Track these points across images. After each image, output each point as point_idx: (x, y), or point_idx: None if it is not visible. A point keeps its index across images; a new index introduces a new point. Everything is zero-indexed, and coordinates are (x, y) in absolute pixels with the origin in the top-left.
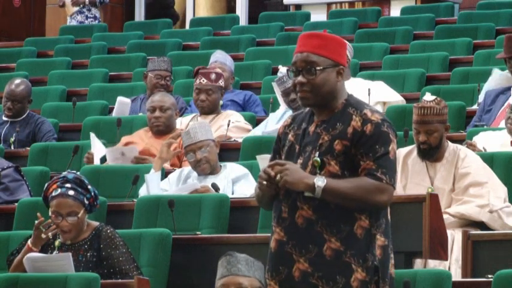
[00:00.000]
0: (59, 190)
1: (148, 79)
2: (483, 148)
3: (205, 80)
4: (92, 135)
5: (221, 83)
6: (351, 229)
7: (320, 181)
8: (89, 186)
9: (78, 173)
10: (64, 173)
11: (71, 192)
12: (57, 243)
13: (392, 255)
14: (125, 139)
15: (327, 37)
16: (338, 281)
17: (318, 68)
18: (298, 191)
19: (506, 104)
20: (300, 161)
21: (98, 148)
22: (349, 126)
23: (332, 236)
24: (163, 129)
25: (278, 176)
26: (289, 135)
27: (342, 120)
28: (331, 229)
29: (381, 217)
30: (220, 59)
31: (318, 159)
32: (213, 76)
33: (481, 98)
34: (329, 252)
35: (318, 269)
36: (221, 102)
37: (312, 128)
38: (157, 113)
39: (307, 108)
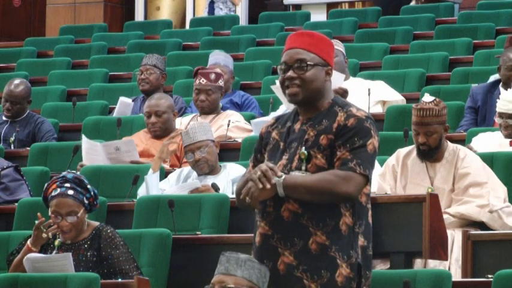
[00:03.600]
0: (59, 190)
1: None
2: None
3: (204, 80)
4: (84, 138)
5: (221, 83)
6: (336, 224)
7: (278, 184)
8: (89, 186)
9: (77, 172)
10: (63, 173)
11: (71, 192)
12: (57, 242)
13: (371, 259)
14: (125, 140)
15: (316, 36)
16: (323, 275)
17: (309, 63)
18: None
19: None
20: (285, 157)
21: (87, 150)
22: (334, 122)
23: (318, 229)
24: (160, 134)
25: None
26: (273, 134)
27: (328, 117)
28: (316, 223)
29: (362, 217)
30: (219, 60)
31: (305, 151)
32: (212, 76)
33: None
34: (314, 246)
35: (302, 262)
36: (220, 104)
37: (297, 126)
38: (153, 119)
39: (292, 110)
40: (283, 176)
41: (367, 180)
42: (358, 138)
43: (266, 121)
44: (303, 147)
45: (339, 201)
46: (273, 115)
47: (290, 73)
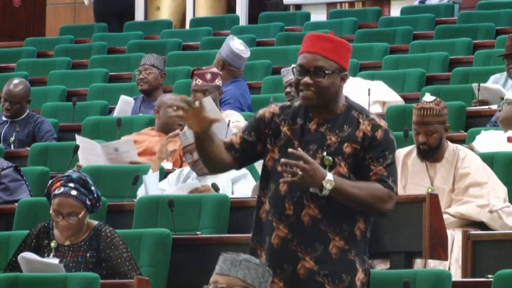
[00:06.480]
0: (62, 189)
1: None
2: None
3: (200, 81)
4: (78, 138)
5: (218, 82)
6: (351, 230)
7: (329, 183)
8: (92, 188)
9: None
10: (69, 172)
11: (74, 192)
12: (53, 244)
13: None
14: (128, 137)
15: (337, 41)
16: (344, 279)
17: (327, 71)
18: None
19: None
20: None
21: (84, 150)
22: (357, 129)
23: (336, 235)
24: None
25: (299, 173)
26: (283, 128)
27: (348, 123)
28: (334, 228)
29: (371, 222)
30: (221, 49)
31: (330, 158)
32: (208, 76)
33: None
34: (335, 251)
35: (323, 267)
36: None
37: (312, 126)
38: (180, 112)
39: (297, 102)
40: (334, 183)
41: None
42: (388, 153)
43: None
44: (325, 152)
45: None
46: None
47: (306, 79)
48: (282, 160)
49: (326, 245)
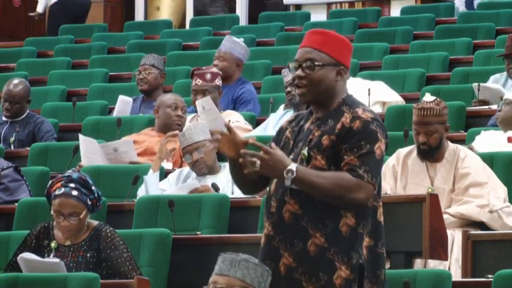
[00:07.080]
0: (63, 189)
1: None
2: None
3: (200, 81)
4: (81, 138)
5: (218, 82)
6: (336, 226)
7: (290, 173)
8: (93, 187)
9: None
10: (69, 172)
11: (75, 193)
12: (53, 245)
13: (384, 257)
14: (128, 138)
15: (330, 35)
16: (321, 278)
17: (317, 63)
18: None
19: None
20: (291, 156)
21: (86, 149)
22: (338, 122)
23: (317, 231)
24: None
25: (257, 164)
26: (287, 131)
27: (334, 118)
28: (316, 224)
29: (368, 217)
30: (222, 46)
31: (305, 152)
32: (208, 76)
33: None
34: (313, 248)
35: (301, 264)
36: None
37: (307, 125)
38: (179, 112)
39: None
40: (295, 173)
41: (375, 187)
42: (365, 143)
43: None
44: (306, 148)
45: (346, 206)
46: (272, 116)
47: (299, 72)
48: (242, 151)
49: (305, 242)
